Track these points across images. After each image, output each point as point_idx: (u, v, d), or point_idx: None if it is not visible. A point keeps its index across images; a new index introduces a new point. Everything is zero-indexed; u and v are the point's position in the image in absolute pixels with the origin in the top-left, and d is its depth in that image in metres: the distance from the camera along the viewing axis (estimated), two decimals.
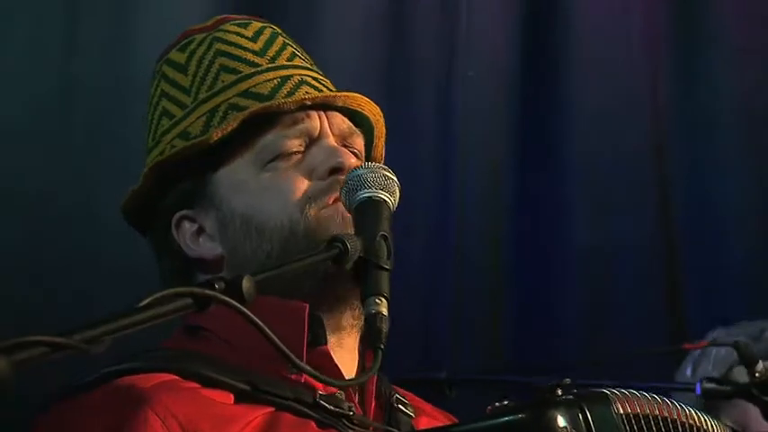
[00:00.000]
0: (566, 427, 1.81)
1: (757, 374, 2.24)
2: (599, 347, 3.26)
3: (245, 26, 2.22)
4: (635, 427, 1.89)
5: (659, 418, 1.92)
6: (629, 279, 3.43)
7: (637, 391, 1.91)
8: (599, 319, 3.36)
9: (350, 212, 1.98)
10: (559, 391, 1.84)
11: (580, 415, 1.84)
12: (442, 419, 2.14)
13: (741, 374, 2.53)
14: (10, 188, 3.01)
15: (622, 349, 3.22)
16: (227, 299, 1.63)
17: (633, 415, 1.89)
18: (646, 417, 1.90)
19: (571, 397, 1.85)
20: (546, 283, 3.39)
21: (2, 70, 3.07)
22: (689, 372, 2.92)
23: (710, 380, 2.51)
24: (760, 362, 2.25)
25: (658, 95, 3.57)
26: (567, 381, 1.88)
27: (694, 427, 1.96)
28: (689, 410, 1.96)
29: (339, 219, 2.02)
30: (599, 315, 3.37)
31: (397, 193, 1.99)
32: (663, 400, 1.94)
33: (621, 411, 1.89)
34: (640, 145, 3.55)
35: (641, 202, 3.50)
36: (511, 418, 1.83)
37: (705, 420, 1.98)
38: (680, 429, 1.94)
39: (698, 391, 2.09)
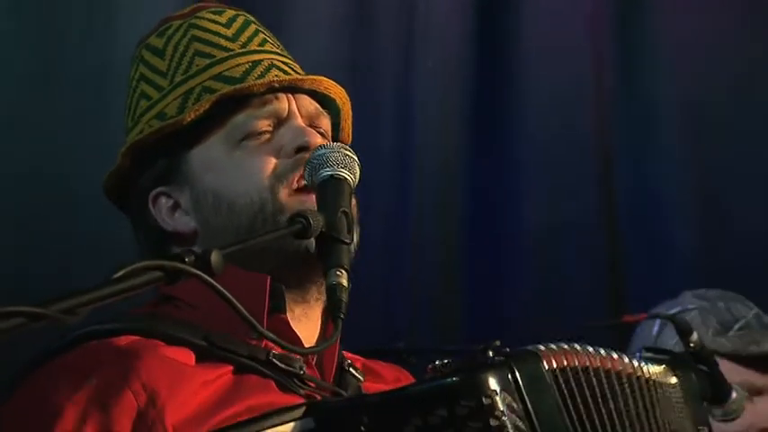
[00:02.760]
0: (495, 390, 1.79)
1: (692, 345, 2.25)
2: (547, 320, 3.25)
3: (220, 14, 2.24)
4: (567, 381, 1.88)
5: (591, 369, 1.92)
6: (574, 257, 3.46)
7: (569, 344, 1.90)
8: (547, 295, 3.40)
9: (313, 189, 1.99)
10: (490, 353, 1.84)
11: (510, 375, 1.82)
12: (392, 383, 2.13)
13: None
14: None
15: (568, 322, 3.22)
16: (195, 271, 1.64)
17: (563, 369, 1.89)
18: (576, 369, 1.90)
19: (501, 358, 1.84)
20: (498, 261, 3.42)
21: None
22: (654, 330, 2.95)
23: (648, 349, 2.53)
24: (694, 333, 2.26)
25: (602, 85, 3.61)
26: (497, 342, 1.87)
27: (625, 373, 1.96)
28: (624, 358, 1.97)
29: (305, 200, 2.03)
30: (547, 290, 3.41)
31: (358, 172, 2.00)
32: (596, 350, 1.93)
33: (552, 367, 1.88)
34: (585, 132, 3.58)
35: (586, 186, 3.53)
36: (444, 382, 1.82)
37: (641, 366, 1.99)
38: (614, 377, 1.94)
39: (638, 356, 2.08)
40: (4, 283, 2.86)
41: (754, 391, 2.90)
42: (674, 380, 2.03)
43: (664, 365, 2.04)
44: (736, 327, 2.95)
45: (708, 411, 2.12)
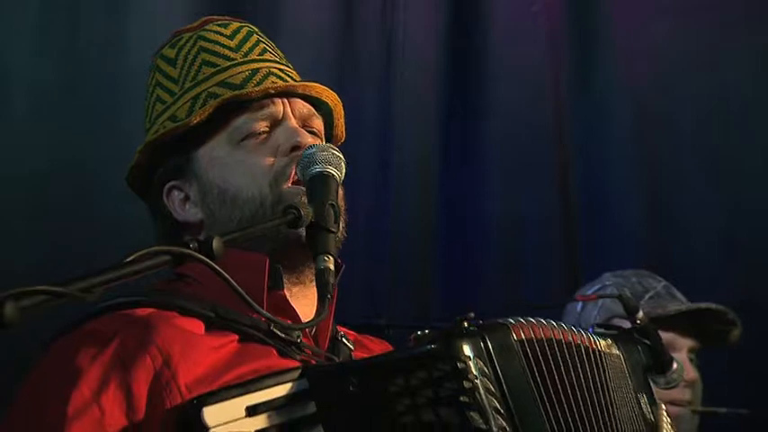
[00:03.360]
0: (469, 356, 1.81)
1: (638, 321, 2.25)
2: (510, 298, 3.22)
3: (225, 26, 2.24)
4: (532, 350, 1.89)
5: (553, 340, 1.92)
6: (535, 243, 3.47)
7: (534, 318, 1.92)
8: (511, 275, 3.41)
9: (305, 183, 1.99)
10: (466, 324, 1.85)
11: (482, 343, 1.84)
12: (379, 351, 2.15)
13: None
14: (22, 164, 3.00)
15: (528, 300, 3.23)
16: (198, 256, 1.68)
17: (529, 340, 1.89)
18: (540, 340, 1.90)
19: (475, 328, 1.85)
20: (468, 245, 3.42)
21: (16, 65, 3.05)
22: (578, 310, 2.95)
23: (600, 326, 2.53)
24: (640, 311, 2.25)
25: (560, 88, 3.60)
26: (472, 314, 1.87)
27: (582, 345, 1.97)
28: (580, 332, 1.98)
29: (299, 197, 2.01)
30: (511, 272, 3.41)
31: (344, 168, 2.01)
32: (558, 324, 1.95)
33: (519, 337, 1.88)
34: (544, 130, 3.58)
35: (545, 179, 3.53)
36: (424, 348, 1.83)
37: (593, 340, 2.01)
38: (573, 348, 1.95)
39: (591, 332, 2.08)
40: (31, 261, 2.84)
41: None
42: (617, 352, 2.04)
43: (610, 339, 2.05)
44: (647, 296, 2.97)
45: (648, 381, 2.12)
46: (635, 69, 3.60)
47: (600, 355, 1.98)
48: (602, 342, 2.01)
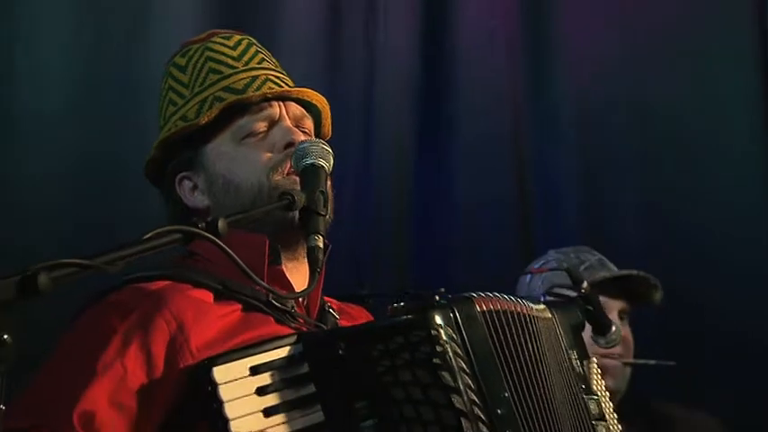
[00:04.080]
0: (440, 324, 1.83)
1: (583, 290, 2.25)
2: (473, 273, 3.25)
3: (228, 38, 2.24)
4: (492, 319, 1.91)
5: (509, 311, 1.95)
6: (494, 224, 3.47)
7: (492, 293, 1.94)
8: (474, 253, 3.40)
9: (298, 174, 2.00)
10: (437, 297, 1.87)
11: (451, 314, 1.86)
12: (361, 321, 2.18)
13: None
14: (54, 154, 2.99)
15: (489, 273, 3.23)
16: (205, 234, 1.71)
17: (489, 311, 1.91)
18: (497, 311, 1.92)
19: (444, 301, 1.87)
20: (438, 226, 3.42)
21: (50, 69, 3.03)
22: (527, 281, 2.96)
23: (551, 293, 2.53)
24: (585, 281, 2.26)
25: (517, 93, 3.59)
26: (443, 290, 1.89)
27: (526, 314, 1.99)
28: (530, 304, 2.02)
29: (293, 183, 2.03)
30: (474, 249, 3.40)
31: (332, 160, 2.01)
32: (513, 298, 1.98)
33: (482, 309, 1.91)
34: (504, 129, 3.57)
35: (504, 171, 3.53)
36: (402, 318, 1.85)
37: (532, 307, 2.03)
38: (525, 317, 1.98)
39: (543, 299, 2.09)
40: (63, 240, 2.84)
41: None
42: (549, 315, 2.05)
43: (543, 305, 2.06)
44: (582, 267, 2.97)
45: (581, 339, 2.12)
46: (580, 76, 3.60)
47: (536, 319, 2.00)
48: (537, 308, 2.03)
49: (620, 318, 2.96)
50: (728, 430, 3.00)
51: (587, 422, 1.99)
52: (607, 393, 2.10)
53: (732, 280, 3.47)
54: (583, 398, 2.02)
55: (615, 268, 2.97)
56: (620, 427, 2.08)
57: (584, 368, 2.07)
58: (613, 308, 2.95)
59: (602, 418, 2.04)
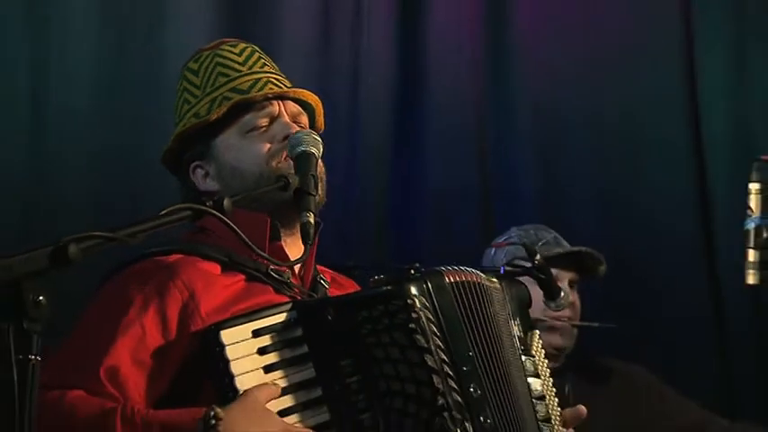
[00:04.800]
0: (415, 294, 1.84)
1: (536, 262, 2.24)
2: (443, 249, 3.25)
3: (235, 46, 2.23)
4: (458, 289, 1.93)
5: (471, 282, 1.96)
6: (460, 207, 3.46)
7: (458, 266, 1.95)
8: (443, 231, 3.39)
9: (293, 160, 1.99)
10: (412, 271, 1.88)
11: (424, 285, 1.87)
12: (349, 290, 2.17)
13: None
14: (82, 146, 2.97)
15: (456, 248, 3.22)
16: (213, 211, 1.72)
17: (456, 282, 1.93)
18: (464, 282, 1.94)
19: (419, 274, 1.88)
20: (412, 209, 3.41)
21: (78, 69, 3.01)
22: (491, 254, 2.94)
23: (509, 265, 2.53)
24: (538, 254, 2.25)
25: (479, 93, 3.56)
26: (417, 264, 1.90)
27: (487, 285, 2.01)
28: (479, 274, 2.01)
29: (288, 168, 2.01)
30: (443, 229, 3.39)
31: (321, 148, 2.00)
32: (473, 271, 1.98)
33: (450, 281, 1.92)
34: (469, 124, 3.54)
35: (469, 161, 3.50)
36: (381, 289, 1.86)
37: (494, 281, 2.04)
38: (483, 287, 1.98)
39: (502, 271, 2.09)
40: (89, 216, 2.84)
41: None
42: (499, 286, 2.05)
43: (495, 278, 2.06)
44: (540, 243, 2.95)
45: (525, 310, 2.13)
46: (536, 77, 3.58)
47: (490, 289, 2.01)
48: (491, 280, 2.03)
49: (571, 286, 2.97)
50: (657, 378, 3.01)
51: (522, 377, 2.00)
52: (545, 360, 2.11)
53: (666, 253, 3.48)
54: (520, 357, 2.02)
55: (568, 245, 2.99)
56: (551, 381, 2.08)
57: (525, 334, 2.07)
58: (565, 278, 2.96)
59: (536, 375, 2.04)
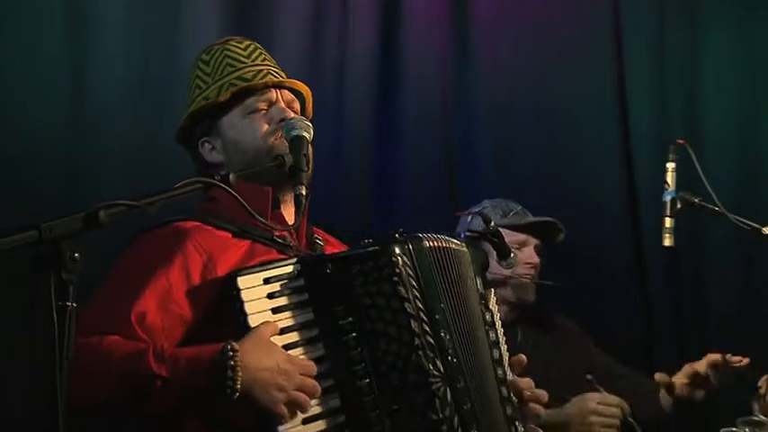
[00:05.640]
0: (399, 254, 1.85)
1: (491, 227, 2.25)
2: (415, 218, 3.22)
3: (240, 42, 2.23)
4: (434, 252, 1.93)
5: (444, 247, 1.96)
6: (431, 183, 3.42)
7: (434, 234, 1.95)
8: (417, 202, 3.35)
9: (288, 141, 1.99)
10: (397, 235, 1.88)
11: (407, 246, 1.88)
12: (340, 249, 2.17)
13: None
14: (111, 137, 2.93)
15: (426, 218, 3.20)
16: (220, 184, 1.74)
17: (432, 247, 1.93)
18: (438, 247, 1.94)
19: (402, 238, 1.88)
20: (390, 183, 3.38)
21: (111, 65, 2.96)
22: (469, 221, 2.90)
23: (470, 231, 2.51)
24: (492, 221, 2.27)
25: (446, 88, 3.51)
26: (401, 230, 1.90)
27: (457, 249, 2.00)
28: (456, 241, 2.01)
29: (283, 147, 2.01)
30: (417, 201, 3.36)
31: (312, 133, 2.01)
32: (445, 237, 1.98)
33: (428, 245, 1.92)
34: (437, 112, 3.49)
35: (436, 144, 3.47)
36: (370, 249, 1.86)
37: (462, 246, 2.03)
38: (453, 251, 1.98)
39: (462, 235, 2.10)
40: (119, 189, 2.77)
41: (520, 244, 2.91)
42: (466, 250, 2.04)
43: (463, 243, 2.06)
44: (511, 213, 2.95)
45: (484, 271, 2.11)
46: (494, 77, 3.54)
47: (459, 252, 2.01)
48: (460, 244, 2.03)
49: (536, 250, 2.94)
50: (584, 327, 3.02)
51: (483, 326, 2.01)
52: (498, 313, 2.10)
53: (599, 223, 3.49)
54: (482, 310, 2.03)
55: (532, 216, 2.95)
56: (502, 331, 2.09)
57: (485, 289, 2.07)
58: (532, 243, 2.95)
59: (493, 325, 2.05)
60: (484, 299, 2.04)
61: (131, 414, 1.82)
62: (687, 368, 2.67)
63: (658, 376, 2.70)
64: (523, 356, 2.09)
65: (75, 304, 1.42)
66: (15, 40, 2.78)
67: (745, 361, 2.60)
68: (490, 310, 2.05)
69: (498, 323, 2.08)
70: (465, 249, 2.01)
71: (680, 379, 2.68)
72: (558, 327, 2.97)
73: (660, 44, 3.57)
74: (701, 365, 2.63)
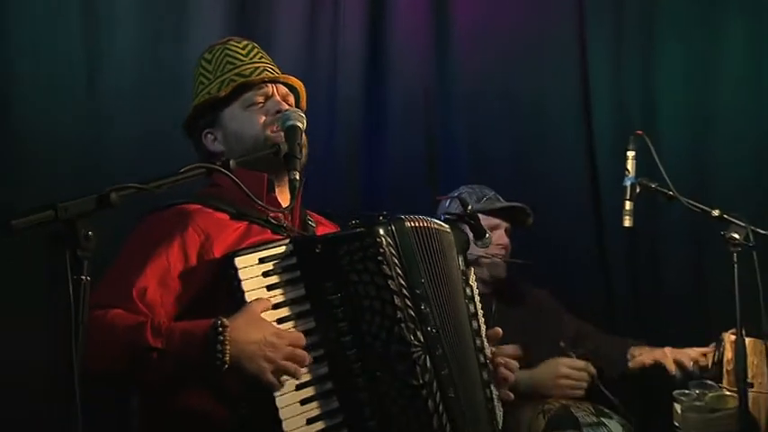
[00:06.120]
0: (383, 235, 1.83)
1: (468, 210, 2.26)
2: (397, 201, 3.21)
3: (239, 42, 2.21)
4: (416, 232, 1.91)
5: (426, 227, 1.94)
6: (413, 170, 3.39)
7: (416, 215, 1.94)
8: (401, 185, 3.32)
9: (283, 131, 1.97)
10: (381, 217, 1.88)
11: (390, 227, 1.86)
12: (331, 229, 2.17)
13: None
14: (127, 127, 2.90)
15: (407, 201, 3.19)
16: (222, 169, 1.73)
17: (414, 227, 1.91)
18: (419, 227, 1.92)
19: (386, 220, 1.87)
20: (375, 168, 3.34)
21: (125, 55, 2.93)
22: (446, 204, 2.90)
23: (447, 214, 2.49)
24: (470, 204, 2.25)
25: (428, 83, 3.48)
26: (385, 212, 1.90)
27: (440, 230, 1.99)
28: (439, 223, 2.00)
29: (279, 136, 2.00)
30: (401, 184, 3.33)
31: (305, 123, 1.99)
32: (428, 219, 1.97)
33: (410, 225, 1.91)
34: (419, 103, 3.44)
35: (418, 134, 3.43)
36: (356, 230, 1.84)
37: (446, 227, 2.02)
38: (436, 231, 1.96)
39: (442, 218, 2.09)
40: (131, 174, 2.70)
41: (492, 227, 2.90)
42: (449, 231, 2.05)
43: (448, 225, 2.06)
44: (485, 198, 2.93)
45: (465, 251, 2.12)
46: (470, 72, 3.50)
47: (442, 233, 1.99)
48: (443, 226, 2.02)
49: (506, 232, 2.93)
50: (554, 297, 3.03)
51: (463, 300, 2.01)
52: (477, 289, 2.10)
53: (565, 207, 3.46)
54: (463, 286, 2.03)
55: (504, 201, 2.94)
56: (480, 303, 2.09)
57: (466, 266, 2.08)
58: (501, 225, 2.93)
59: (472, 299, 2.05)
60: (465, 275, 2.05)
61: (133, 383, 1.82)
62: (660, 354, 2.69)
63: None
64: (499, 329, 2.09)
65: (88, 278, 1.42)
66: (33, 43, 2.75)
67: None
68: (470, 286, 2.06)
69: (477, 298, 2.08)
70: (449, 231, 2.00)
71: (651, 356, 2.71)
72: (529, 298, 2.97)
73: (619, 47, 3.56)
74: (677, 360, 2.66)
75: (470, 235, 2.21)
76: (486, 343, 2.02)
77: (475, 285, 2.09)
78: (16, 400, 2.45)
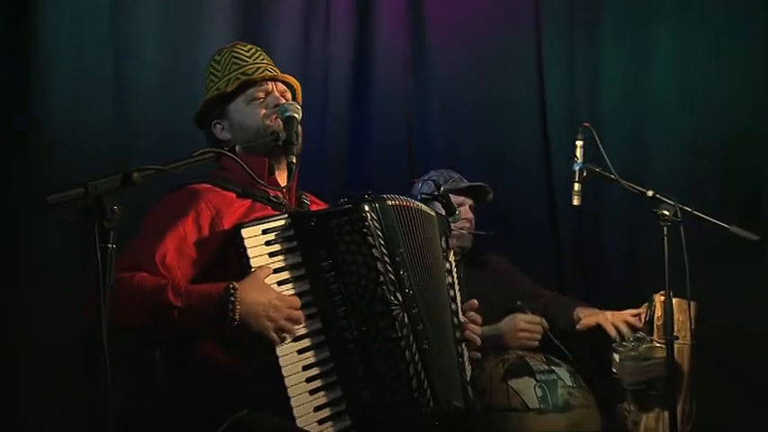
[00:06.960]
0: (368, 211, 1.83)
1: (441, 190, 2.24)
2: (380, 184, 3.16)
3: (245, 46, 2.20)
4: (397, 210, 1.90)
5: (407, 206, 1.93)
6: (394, 159, 3.35)
7: (398, 195, 1.93)
8: (384, 169, 3.29)
9: (282, 121, 1.97)
10: (366, 196, 1.87)
11: (374, 205, 1.86)
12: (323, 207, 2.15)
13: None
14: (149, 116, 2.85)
15: (390, 183, 3.11)
16: (228, 152, 1.77)
17: (396, 206, 1.90)
18: (400, 206, 1.92)
19: (371, 198, 1.86)
20: (360, 156, 3.31)
21: (146, 55, 2.86)
22: (419, 186, 2.87)
23: (423, 193, 2.47)
24: (442, 186, 2.23)
25: (407, 83, 3.43)
26: (370, 191, 1.88)
27: (420, 209, 1.97)
28: (417, 203, 1.99)
29: (278, 126, 1.99)
30: (384, 169, 3.30)
31: (301, 114, 2.00)
32: (408, 199, 1.95)
33: (392, 204, 1.90)
34: (398, 100, 3.40)
35: (399, 127, 3.39)
36: (345, 207, 1.84)
37: (423, 206, 2.00)
38: (416, 210, 1.95)
39: (419, 198, 2.05)
40: (156, 158, 2.63)
41: (459, 204, 2.85)
42: (434, 213, 2.04)
43: (423, 203, 2.04)
44: (451, 180, 2.90)
45: (446, 232, 2.10)
46: (446, 74, 3.45)
47: (423, 212, 1.98)
48: (425, 207, 2.00)
49: (471, 209, 2.93)
50: (512, 263, 3.03)
51: (441, 270, 2.01)
52: (455, 266, 2.08)
53: (522, 190, 3.45)
54: (443, 261, 2.02)
55: (467, 182, 2.93)
56: (458, 279, 2.07)
57: (448, 246, 2.06)
58: (466, 203, 2.93)
59: (450, 272, 2.05)
60: (445, 252, 2.04)
61: (156, 336, 1.83)
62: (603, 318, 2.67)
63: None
64: (475, 301, 2.09)
65: (114, 245, 1.44)
66: (69, 36, 2.68)
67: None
68: (449, 261, 2.06)
69: (455, 270, 2.07)
70: (432, 214, 1.99)
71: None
72: (491, 264, 2.98)
73: (571, 54, 3.54)
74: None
75: (443, 212, 2.20)
76: (460, 309, 2.01)
77: (455, 262, 2.08)
78: (57, 352, 2.44)
